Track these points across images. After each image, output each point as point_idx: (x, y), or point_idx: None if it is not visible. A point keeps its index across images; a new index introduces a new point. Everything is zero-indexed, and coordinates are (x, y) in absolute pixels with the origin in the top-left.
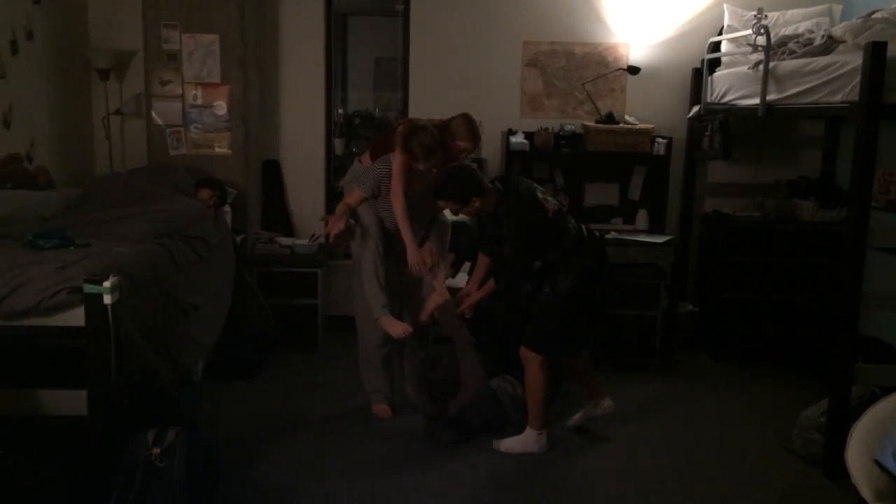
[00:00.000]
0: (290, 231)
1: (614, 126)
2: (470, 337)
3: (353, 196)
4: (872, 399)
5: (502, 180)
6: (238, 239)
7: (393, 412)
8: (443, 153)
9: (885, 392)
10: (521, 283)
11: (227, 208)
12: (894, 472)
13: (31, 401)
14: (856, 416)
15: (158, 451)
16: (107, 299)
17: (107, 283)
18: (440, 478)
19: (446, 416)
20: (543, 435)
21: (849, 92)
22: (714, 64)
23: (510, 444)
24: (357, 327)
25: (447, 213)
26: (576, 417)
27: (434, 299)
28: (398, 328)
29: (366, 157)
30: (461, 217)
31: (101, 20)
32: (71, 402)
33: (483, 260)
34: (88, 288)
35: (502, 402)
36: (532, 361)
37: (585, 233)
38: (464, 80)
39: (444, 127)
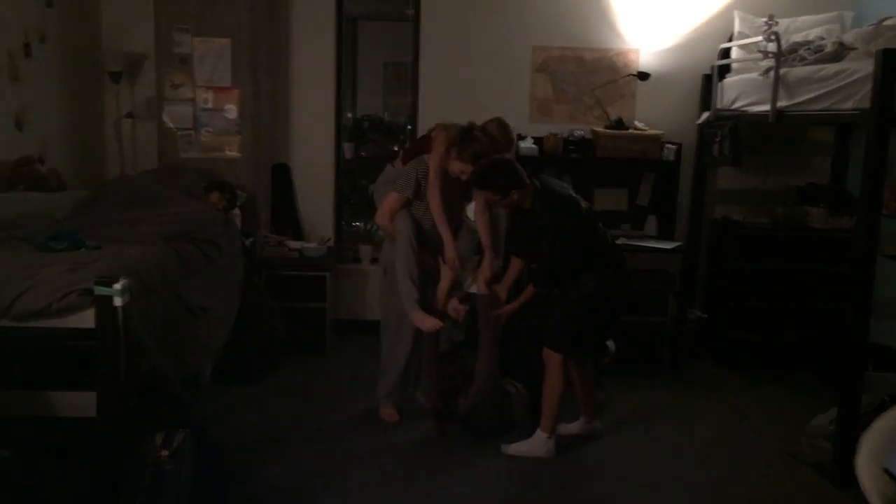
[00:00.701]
0: (299, 234)
1: (624, 132)
2: (498, 335)
3: (391, 202)
4: (882, 407)
5: (537, 176)
6: (247, 242)
7: (400, 417)
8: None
9: None
10: (558, 278)
11: (237, 211)
12: None
13: (40, 402)
14: (865, 425)
15: (167, 453)
16: (117, 301)
17: (117, 286)
18: (448, 482)
19: (456, 415)
20: (552, 439)
21: (860, 99)
22: (724, 70)
23: (519, 447)
24: (381, 331)
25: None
26: (566, 426)
27: (443, 289)
28: (429, 322)
29: (398, 163)
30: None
31: (114, 23)
32: (80, 403)
33: (515, 262)
34: (99, 290)
35: (512, 402)
36: (553, 361)
37: (609, 237)
38: (473, 85)
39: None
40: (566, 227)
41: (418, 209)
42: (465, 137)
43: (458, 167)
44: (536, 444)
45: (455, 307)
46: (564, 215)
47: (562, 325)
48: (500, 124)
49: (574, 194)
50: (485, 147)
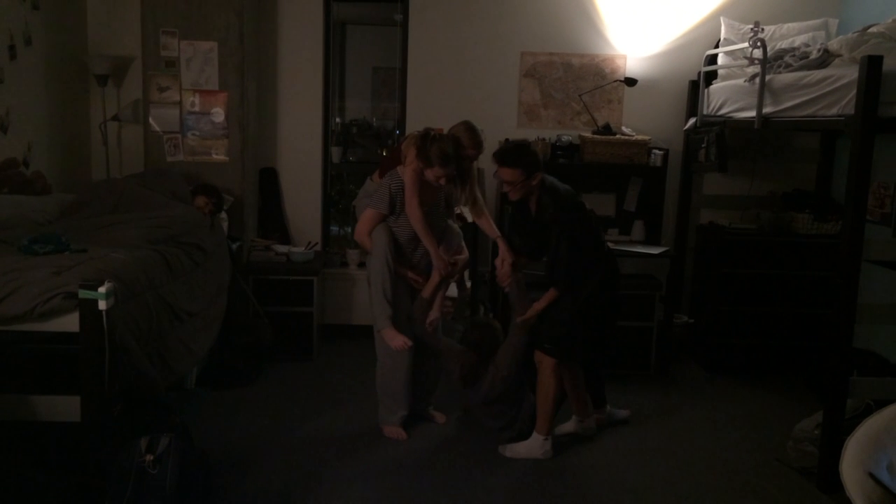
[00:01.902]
0: (286, 239)
1: (611, 137)
2: (529, 326)
3: (368, 219)
4: (867, 412)
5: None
6: (234, 246)
7: (407, 435)
8: (457, 161)
9: (880, 405)
10: (576, 277)
11: (224, 215)
12: (889, 485)
13: (24, 406)
14: (850, 429)
15: (151, 458)
16: (101, 305)
17: (102, 289)
18: (436, 486)
19: (474, 388)
20: (549, 441)
21: (844, 105)
22: (710, 76)
23: (517, 449)
24: (377, 347)
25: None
26: (561, 426)
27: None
28: (398, 340)
29: (377, 176)
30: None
31: (100, 26)
32: (64, 408)
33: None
34: (83, 293)
35: (522, 409)
36: (545, 365)
37: (605, 243)
38: (461, 90)
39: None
40: (573, 223)
41: (395, 223)
42: (423, 142)
43: (431, 174)
44: (533, 446)
45: (431, 320)
46: (571, 210)
47: (554, 329)
48: (468, 126)
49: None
50: (447, 145)
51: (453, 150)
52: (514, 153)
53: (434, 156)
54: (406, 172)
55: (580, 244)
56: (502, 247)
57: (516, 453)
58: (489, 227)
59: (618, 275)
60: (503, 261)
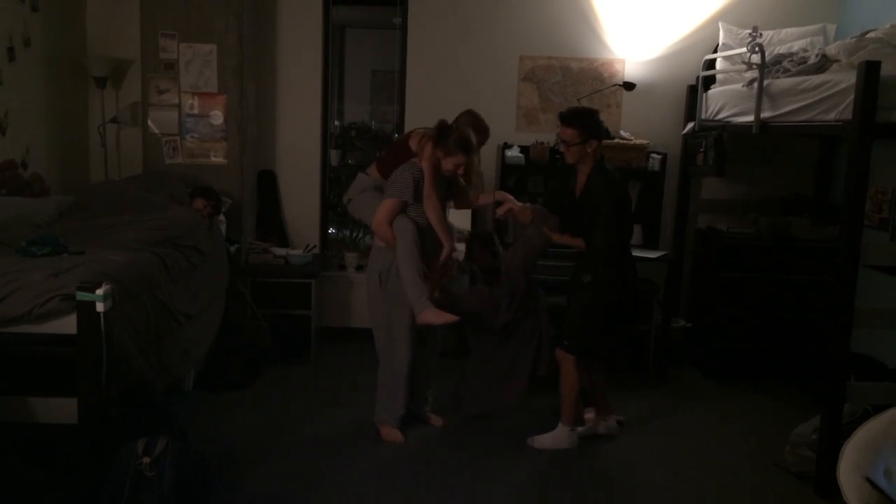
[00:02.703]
0: (284, 241)
1: (609, 141)
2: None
3: (389, 208)
4: (864, 417)
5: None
6: (232, 249)
7: (405, 437)
8: (476, 151)
9: (877, 410)
10: (613, 246)
11: (222, 218)
12: (885, 489)
13: (21, 408)
14: (848, 434)
15: (148, 460)
16: (99, 307)
17: (99, 291)
18: (435, 487)
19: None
20: (574, 432)
21: (842, 110)
22: (709, 81)
23: (543, 440)
24: (378, 346)
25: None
26: (580, 429)
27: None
28: (444, 316)
29: (372, 170)
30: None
31: (99, 28)
32: (61, 410)
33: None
34: (81, 295)
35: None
36: (566, 361)
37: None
38: (460, 94)
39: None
40: (620, 204)
41: (413, 211)
42: (442, 132)
43: (451, 162)
44: (560, 437)
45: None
46: (621, 195)
47: (576, 327)
48: (473, 114)
49: None
50: (466, 131)
51: (472, 136)
52: (575, 113)
53: (454, 143)
54: (425, 165)
55: (619, 224)
56: (507, 195)
57: (543, 444)
58: (486, 196)
59: (636, 278)
60: (513, 202)
